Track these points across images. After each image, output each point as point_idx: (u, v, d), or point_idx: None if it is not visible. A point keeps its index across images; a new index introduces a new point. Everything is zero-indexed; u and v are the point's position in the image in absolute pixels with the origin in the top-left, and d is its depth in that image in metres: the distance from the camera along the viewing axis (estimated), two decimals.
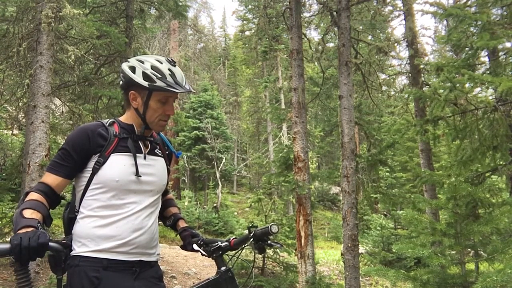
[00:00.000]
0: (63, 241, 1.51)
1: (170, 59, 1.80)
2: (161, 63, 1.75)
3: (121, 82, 1.83)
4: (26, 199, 1.61)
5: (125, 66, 1.78)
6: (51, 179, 1.69)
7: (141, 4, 9.66)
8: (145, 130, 1.81)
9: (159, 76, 1.71)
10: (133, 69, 1.75)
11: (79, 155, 1.69)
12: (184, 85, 1.75)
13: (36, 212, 1.54)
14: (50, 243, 1.43)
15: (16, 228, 1.47)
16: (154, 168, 1.82)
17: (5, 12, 7.01)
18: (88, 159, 1.71)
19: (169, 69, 1.73)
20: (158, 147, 1.89)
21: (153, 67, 1.72)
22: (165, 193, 2.00)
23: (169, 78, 1.72)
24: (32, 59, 6.69)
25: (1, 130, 11.41)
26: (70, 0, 6.99)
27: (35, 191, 1.64)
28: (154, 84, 1.70)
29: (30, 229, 1.44)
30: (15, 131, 11.49)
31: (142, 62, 1.75)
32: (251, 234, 1.89)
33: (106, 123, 1.78)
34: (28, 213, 1.53)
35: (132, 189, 1.72)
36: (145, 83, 1.71)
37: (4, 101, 8.37)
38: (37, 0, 6.44)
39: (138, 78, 1.72)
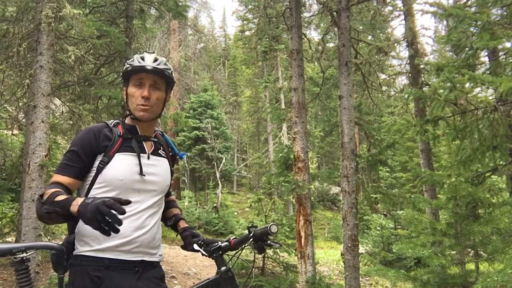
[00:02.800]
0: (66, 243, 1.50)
1: (153, 52, 1.85)
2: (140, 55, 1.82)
3: None
4: (45, 196, 1.58)
5: None
6: (61, 179, 1.69)
7: (141, 4, 9.65)
8: (133, 119, 1.82)
9: (130, 63, 1.79)
10: None
11: (87, 155, 1.71)
12: (152, 64, 1.75)
13: (66, 195, 1.55)
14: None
15: (67, 207, 1.46)
16: (158, 168, 1.84)
17: (5, 12, 7.00)
18: (94, 159, 1.73)
19: (141, 56, 1.79)
20: (161, 148, 1.90)
21: (130, 60, 1.81)
22: (167, 194, 2.02)
23: (135, 61, 1.77)
24: (32, 59, 6.69)
25: (1, 130, 11.41)
26: (70, 0, 6.99)
27: (50, 188, 1.63)
28: (125, 70, 1.79)
29: (81, 199, 1.45)
30: (15, 131, 11.49)
31: None
32: (251, 234, 1.90)
33: (111, 124, 1.81)
34: (61, 197, 1.53)
35: (135, 188, 1.74)
36: (122, 74, 1.83)
37: (4, 101, 8.37)
38: (37, 0, 6.44)
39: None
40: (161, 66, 1.77)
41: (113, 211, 1.33)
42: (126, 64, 1.81)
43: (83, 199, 1.44)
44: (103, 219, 1.33)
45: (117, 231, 1.35)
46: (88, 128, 1.79)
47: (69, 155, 1.72)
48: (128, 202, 1.42)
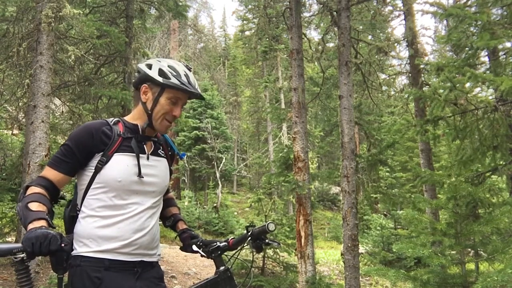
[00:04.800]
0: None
1: (186, 64, 1.83)
2: (178, 65, 1.80)
3: (133, 80, 1.88)
4: (28, 192, 1.61)
5: (141, 64, 1.82)
6: (52, 174, 1.68)
7: (141, 4, 9.66)
8: (147, 128, 1.79)
9: (175, 74, 1.74)
10: (149, 66, 1.78)
11: (81, 153, 1.68)
12: (196, 88, 1.79)
13: (42, 205, 1.56)
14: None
15: (26, 222, 1.49)
16: (157, 169, 1.81)
17: (5, 12, 7.00)
18: (91, 157, 1.70)
19: (185, 71, 1.77)
20: (161, 147, 1.88)
21: (170, 66, 1.76)
22: (166, 192, 1.99)
23: (183, 78, 1.74)
24: (32, 59, 6.68)
25: (1, 130, 11.41)
26: (70, 0, 6.99)
27: (36, 185, 1.64)
28: (169, 80, 1.72)
29: (41, 223, 1.47)
30: (15, 131, 11.49)
31: (160, 61, 1.79)
32: (249, 233, 1.90)
33: (111, 122, 1.77)
34: (34, 206, 1.54)
35: (134, 189, 1.72)
36: (160, 79, 1.73)
37: (4, 101, 8.37)
38: (37, 0, 6.44)
39: (153, 73, 1.74)
40: (200, 90, 1.82)
41: (49, 247, 1.41)
42: (168, 70, 1.74)
43: (38, 225, 1.46)
44: (36, 249, 1.40)
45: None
46: (86, 125, 1.75)
47: (63, 150, 1.70)
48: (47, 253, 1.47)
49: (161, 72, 1.73)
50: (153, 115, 1.76)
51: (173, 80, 1.72)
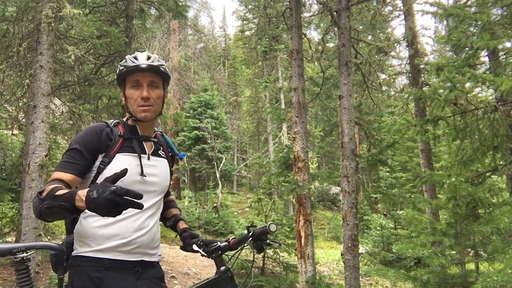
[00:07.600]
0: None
1: (144, 50, 1.83)
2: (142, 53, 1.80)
3: None
4: (44, 194, 1.48)
5: None
6: (63, 176, 1.62)
7: (141, 4, 9.65)
8: (135, 121, 1.81)
9: (123, 64, 1.77)
10: None
11: (89, 153, 1.68)
12: (146, 62, 1.73)
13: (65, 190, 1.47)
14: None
15: (72, 202, 1.37)
16: (158, 169, 1.83)
17: (5, 12, 7.00)
18: (96, 158, 1.71)
19: (134, 56, 1.77)
20: (161, 148, 1.90)
21: (133, 55, 1.78)
22: (166, 194, 2.01)
23: (129, 62, 1.75)
24: (32, 59, 6.68)
25: (1, 130, 11.40)
26: (70, 0, 6.99)
27: (50, 185, 1.54)
28: (119, 72, 1.77)
29: (83, 192, 1.35)
30: (15, 131, 11.47)
31: None
32: (250, 234, 1.90)
33: (111, 124, 1.79)
34: (61, 192, 1.44)
35: (136, 189, 1.70)
36: (117, 72, 1.79)
37: (4, 101, 8.37)
38: (37, 0, 6.44)
39: (117, 72, 1.80)
40: (156, 63, 1.75)
41: (130, 198, 1.29)
42: (119, 66, 1.78)
43: (86, 191, 1.33)
44: (120, 209, 1.29)
45: (141, 207, 1.32)
46: (89, 127, 1.77)
47: (70, 154, 1.67)
48: (139, 196, 1.32)
49: (118, 72, 1.78)
50: (130, 109, 1.79)
51: (121, 68, 1.76)
